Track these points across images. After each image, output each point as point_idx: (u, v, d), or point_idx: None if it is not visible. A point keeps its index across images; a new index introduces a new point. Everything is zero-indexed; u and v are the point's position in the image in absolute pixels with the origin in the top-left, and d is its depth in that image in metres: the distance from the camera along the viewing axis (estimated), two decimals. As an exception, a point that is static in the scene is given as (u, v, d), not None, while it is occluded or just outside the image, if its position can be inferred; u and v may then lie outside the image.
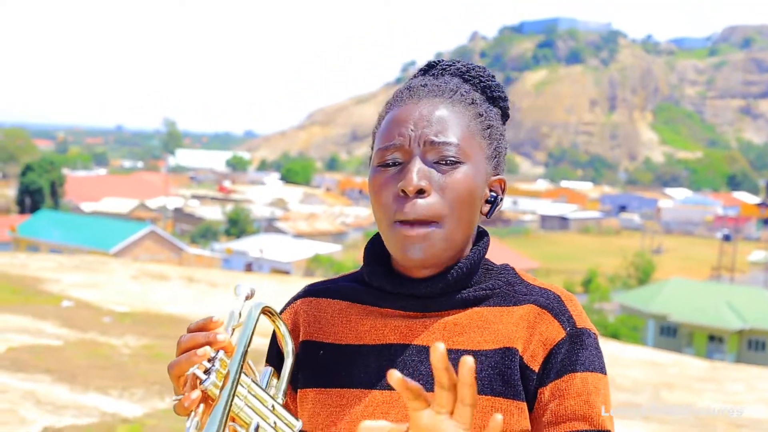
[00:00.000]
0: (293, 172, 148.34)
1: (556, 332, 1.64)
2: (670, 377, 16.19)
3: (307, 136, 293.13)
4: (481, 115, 1.72)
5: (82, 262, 26.39)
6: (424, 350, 1.67)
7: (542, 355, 1.64)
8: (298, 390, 1.78)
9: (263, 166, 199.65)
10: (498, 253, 49.96)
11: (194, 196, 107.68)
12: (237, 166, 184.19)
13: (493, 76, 1.81)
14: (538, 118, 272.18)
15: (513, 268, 1.78)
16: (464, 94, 1.72)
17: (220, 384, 1.45)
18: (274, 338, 1.83)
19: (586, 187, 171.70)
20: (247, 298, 1.59)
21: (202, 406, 1.47)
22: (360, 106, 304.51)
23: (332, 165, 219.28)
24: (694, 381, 16.01)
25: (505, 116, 1.83)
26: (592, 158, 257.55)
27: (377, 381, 1.68)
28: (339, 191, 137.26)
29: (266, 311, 1.63)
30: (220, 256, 56.44)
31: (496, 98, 1.80)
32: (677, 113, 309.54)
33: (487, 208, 1.73)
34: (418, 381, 1.64)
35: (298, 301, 1.84)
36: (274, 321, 1.67)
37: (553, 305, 1.67)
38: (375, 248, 1.79)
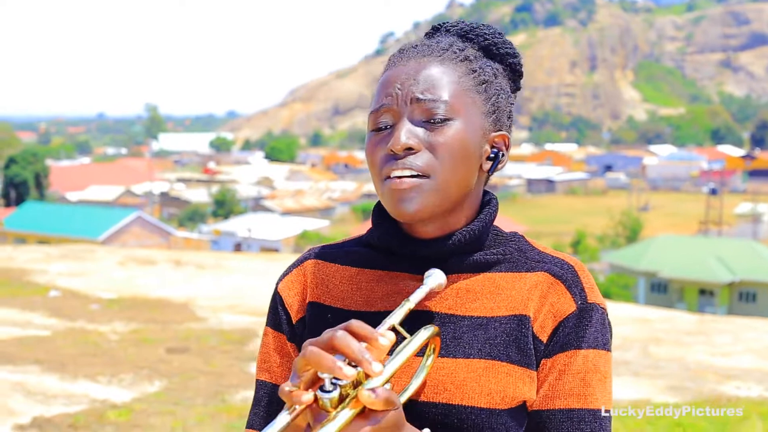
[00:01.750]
0: (277, 150, 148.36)
1: (567, 305, 1.64)
2: (660, 332, 16.25)
3: (290, 113, 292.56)
4: (475, 71, 1.68)
5: (69, 252, 26.33)
6: (438, 316, 1.65)
7: (551, 326, 1.63)
8: None
9: (247, 146, 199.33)
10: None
11: (180, 180, 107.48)
12: (221, 147, 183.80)
13: (499, 33, 1.77)
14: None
15: (523, 236, 1.76)
16: (456, 51, 1.69)
17: (337, 407, 1.36)
18: (278, 306, 1.80)
19: (570, 148, 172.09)
20: (432, 291, 1.59)
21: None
22: (340, 80, 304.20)
23: (316, 140, 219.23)
24: (683, 335, 16.07)
25: (515, 72, 1.79)
26: (576, 119, 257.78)
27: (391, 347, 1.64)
28: (324, 166, 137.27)
29: (436, 338, 1.58)
30: (209, 238, 56.37)
31: (503, 55, 1.75)
32: (658, 70, 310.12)
33: (489, 164, 1.70)
34: None
35: (307, 262, 1.81)
36: (432, 349, 1.58)
37: (567, 276, 1.66)
38: (382, 211, 1.76)
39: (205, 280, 21.64)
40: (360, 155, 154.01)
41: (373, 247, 1.77)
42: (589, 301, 1.65)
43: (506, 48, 1.76)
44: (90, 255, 25.73)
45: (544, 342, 1.63)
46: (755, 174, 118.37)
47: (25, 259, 23.86)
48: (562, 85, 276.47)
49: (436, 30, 1.79)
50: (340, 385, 1.36)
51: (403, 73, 1.64)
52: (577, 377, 1.62)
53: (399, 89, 1.63)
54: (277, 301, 1.80)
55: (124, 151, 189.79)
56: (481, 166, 1.69)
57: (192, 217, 75.01)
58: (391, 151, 1.60)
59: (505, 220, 61.41)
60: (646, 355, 13.73)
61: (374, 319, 1.66)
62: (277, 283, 1.82)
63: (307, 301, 1.76)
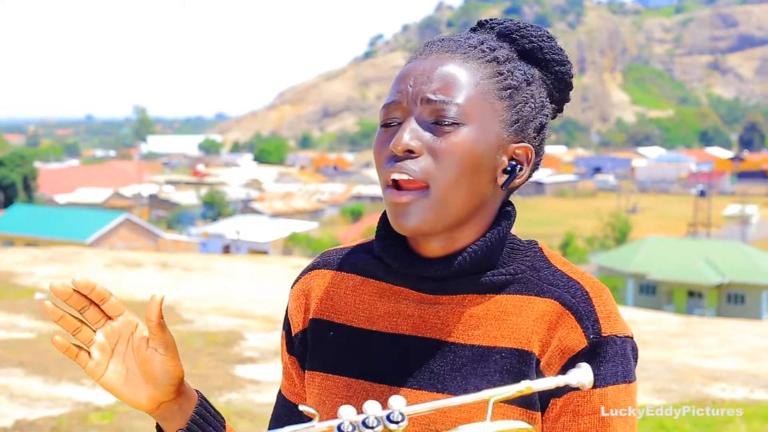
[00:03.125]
0: (266, 152, 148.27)
1: (576, 341, 1.49)
2: (646, 334, 16.26)
3: (279, 116, 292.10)
4: (501, 74, 1.54)
5: (56, 254, 26.24)
6: (438, 344, 1.54)
7: (558, 364, 1.49)
8: (306, 371, 1.67)
9: (236, 148, 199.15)
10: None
11: (168, 182, 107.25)
12: (210, 149, 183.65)
13: (549, 37, 1.62)
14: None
15: (540, 248, 1.61)
16: (486, 50, 1.55)
17: None
18: (287, 314, 1.74)
19: (559, 150, 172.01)
20: (569, 386, 1.37)
21: None
22: (329, 82, 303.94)
23: (305, 143, 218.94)
24: (669, 337, 16.11)
25: (561, 81, 1.64)
26: (565, 122, 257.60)
27: (387, 375, 1.56)
28: (313, 169, 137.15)
29: None
30: (197, 240, 56.30)
31: (548, 61, 1.61)
32: (647, 72, 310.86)
33: (504, 178, 1.55)
34: (429, 378, 1.53)
35: (312, 273, 1.71)
36: None
37: (579, 305, 1.51)
38: (388, 221, 1.62)
39: (192, 283, 21.59)
40: (349, 157, 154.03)
41: (377, 256, 1.65)
42: (603, 335, 1.49)
43: (553, 54, 1.61)
44: (77, 257, 25.65)
45: None
46: (744, 176, 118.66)
47: (11, 261, 23.78)
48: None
49: (481, 26, 1.67)
50: (387, 427, 1.24)
51: (420, 69, 1.53)
52: (594, 418, 1.48)
53: (411, 86, 1.51)
54: (287, 308, 1.74)
55: (112, 153, 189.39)
56: (492, 179, 1.54)
57: (181, 219, 74.90)
58: (392, 151, 1.50)
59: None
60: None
61: (374, 338, 1.60)
62: (291, 288, 1.76)
63: (309, 317, 1.68)
